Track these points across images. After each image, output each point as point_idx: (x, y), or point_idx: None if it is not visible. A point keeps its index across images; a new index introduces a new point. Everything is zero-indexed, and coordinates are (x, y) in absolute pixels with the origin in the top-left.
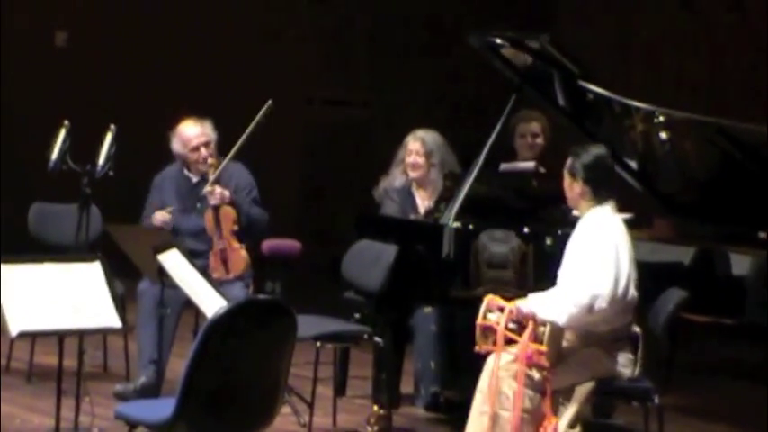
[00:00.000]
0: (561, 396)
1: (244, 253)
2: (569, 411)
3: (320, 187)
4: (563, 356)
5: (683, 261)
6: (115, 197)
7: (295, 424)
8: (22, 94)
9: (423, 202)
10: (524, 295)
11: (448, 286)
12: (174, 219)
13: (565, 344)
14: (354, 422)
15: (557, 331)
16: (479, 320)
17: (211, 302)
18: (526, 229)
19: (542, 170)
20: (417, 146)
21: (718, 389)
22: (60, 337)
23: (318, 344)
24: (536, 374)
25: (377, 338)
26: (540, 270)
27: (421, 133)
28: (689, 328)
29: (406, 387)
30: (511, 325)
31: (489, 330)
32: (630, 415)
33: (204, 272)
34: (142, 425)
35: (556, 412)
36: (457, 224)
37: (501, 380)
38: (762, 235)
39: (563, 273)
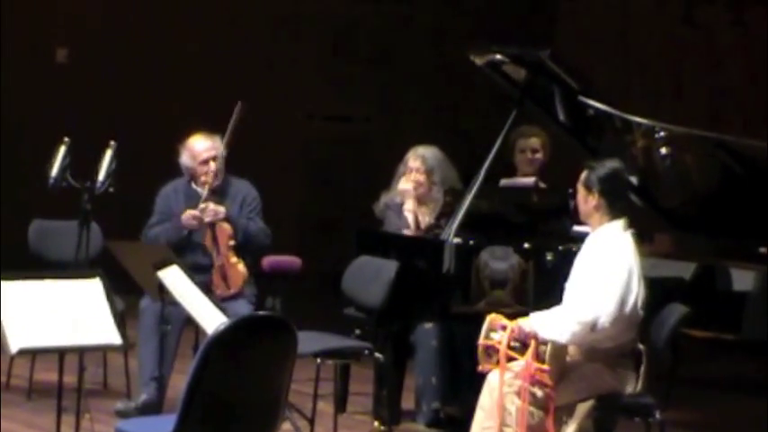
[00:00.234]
0: (564, 413)
1: (242, 267)
2: (571, 428)
3: (321, 203)
4: (566, 372)
5: (683, 276)
6: (115, 214)
7: None
8: (23, 110)
9: (423, 218)
10: (525, 312)
11: (448, 302)
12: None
13: (568, 359)
14: None
15: (558, 350)
16: (482, 340)
17: (212, 319)
18: (526, 245)
19: (542, 185)
20: (418, 164)
21: (719, 404)
22: (60, 354)
23: (319, 360)
24: (539, 392)
25: (377, 354)
26: (540, 286)
27: (421, 150)
28: (690, 343)
29: (407, 403)
30: (513, 344)
31: (492, 350)
32: (632, 430)
33: (204, 288)
34: None
35: (559, 429)
36: (457, 240)
37: (504, 396)
38: (762, 250)
39: (571, 287)
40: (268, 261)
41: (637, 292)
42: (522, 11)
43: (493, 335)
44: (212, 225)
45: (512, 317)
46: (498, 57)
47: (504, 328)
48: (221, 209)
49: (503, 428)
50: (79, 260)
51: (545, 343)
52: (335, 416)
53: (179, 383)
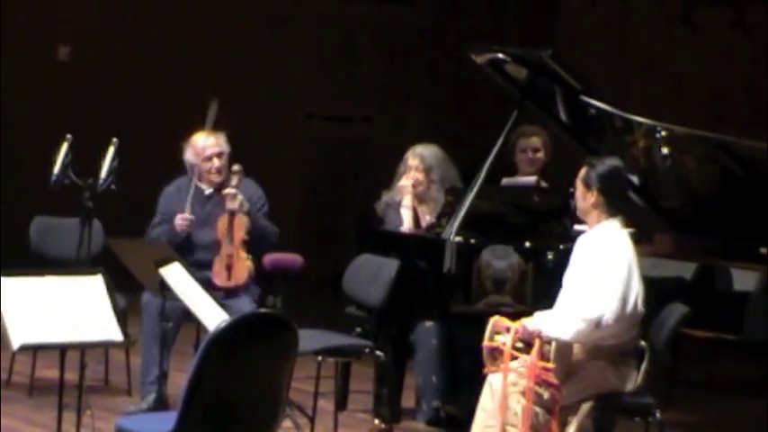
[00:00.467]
0: (568, 413)
1: (249, 263)
2: (571, 428)
3: (321, 202)
4: (571, 371)
5: (684, 276)
6: (117, 211)
7: None
8: (25, 107)
9: (424, 217)
10: (526, 312)
11: (449, 301)
12: (194, 223)
13: (572, 358)
14: None
15: (563, 348)
16: (486, 342)
17: (213, 316)
18: (527, 244)
19: (543, 185)
20: (417, 162)
21: (718, 404)
22: (62, 350)
23: (320, 358)
24: (545, 393)
25: (378, 353)
26: (541, 285)
27: (420, 149)
28: (690, 343)
29: (408, 402)
30: (517, 344)
31: (496, 352)
32: (632, 430)
33: (206, 285)
34: None
35: (563, 429)
36: (458, 239)
37: (509, 396)
38: (763, 250)
39: (568, 283)
40: (269, 259)
41: (637, 290)
42: (522, 11)
43: (497, 337)
44: (231, 214)
45: (513, 317)
46: (499, 56)
47: (507, 330)
48: (245, 201)
49: (507, 428)
50: (81, 257)
51: (549, 342)
52: (336, 414)
53: (180, 381)
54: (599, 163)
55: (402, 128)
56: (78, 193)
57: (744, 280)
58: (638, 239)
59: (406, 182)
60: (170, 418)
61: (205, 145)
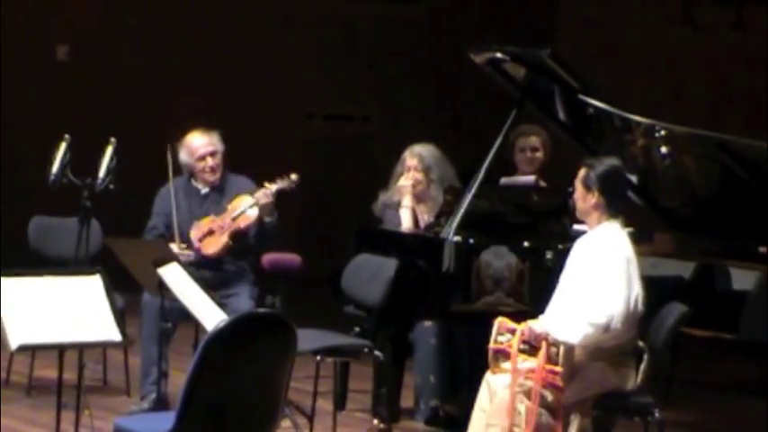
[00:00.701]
0: (569, 413)
1: (224, 244)
2: (573, 427)
3: (320, 202)
4: (573, 372)
5: (683, 276)
6: (115, 211)
7: None
8: (23, 107)
9: (422, 216)
10: (526, 312)
11: (448, 300)
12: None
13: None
14: None
15: (569, 351)
16: (491, 344)
17: (211, 316)
18: (526, 244)
19: (542, 184)
20: (415, 162)
21: (717, 404)
22: (60, 350)
23: (318, 358)
24: (549, 395)
25: (377, 352)
26: (540, 285)
27: (418, 149)
28: (689, 343)
29: (406, 401)
30: (522, 346)
31: (501, 353)
32: (631, 430)
33: (204, 286)
34: None
35: (565, 430)
36: (457, 238)
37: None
38: (762, 250)
39: (565, 284)
40: (268, 259)
41: (637, 290)
42: (522, 10)
43: (501, 338)
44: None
45: (513, 316)
46: (498, 56)
47: (512, 331)
48: (274, 211)
49: (513, 429)
50: (79, 257)
51: (556, 345)
52: (335, 413)
53: (179, 380)
54: (598, 163)
55: (402, 128)
56: (77, 192)
57: (743, 279)
58: (637, 239)
59: (405, 182)
60: (168, 418)
61: (198, 144)
